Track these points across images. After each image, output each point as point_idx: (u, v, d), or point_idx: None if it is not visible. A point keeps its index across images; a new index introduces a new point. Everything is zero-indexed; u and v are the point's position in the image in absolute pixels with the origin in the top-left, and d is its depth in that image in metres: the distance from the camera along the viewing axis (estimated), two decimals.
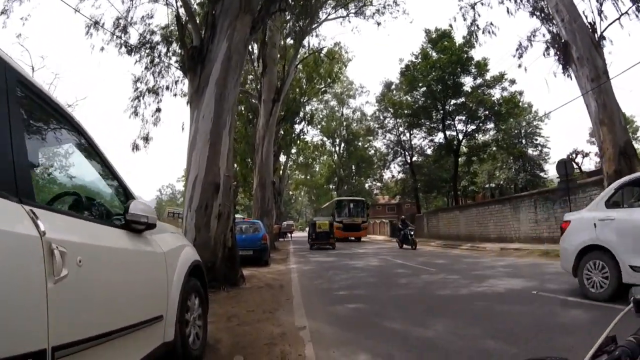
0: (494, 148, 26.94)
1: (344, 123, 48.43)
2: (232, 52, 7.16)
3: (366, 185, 52.47)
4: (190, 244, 3.12)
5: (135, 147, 15.10)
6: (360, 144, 48.69)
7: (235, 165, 23.46)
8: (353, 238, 25.61)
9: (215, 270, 5.91)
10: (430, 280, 7.20)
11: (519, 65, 16.92)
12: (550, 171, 37.27)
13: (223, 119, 7.05)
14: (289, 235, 35.15)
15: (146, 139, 14.93)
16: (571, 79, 12.22)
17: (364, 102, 73.36)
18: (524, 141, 32.94)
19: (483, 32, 18.02)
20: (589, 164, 44.38)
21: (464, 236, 20.64)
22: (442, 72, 22.58)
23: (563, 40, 11.99)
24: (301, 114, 26.84)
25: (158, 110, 14.46)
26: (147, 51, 13.14)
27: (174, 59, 13.22)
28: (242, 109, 24.11)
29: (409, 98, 26.61)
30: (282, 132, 26.83)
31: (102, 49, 14.06)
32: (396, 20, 37.95)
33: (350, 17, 21.88)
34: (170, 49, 13.24)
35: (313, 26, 19.54)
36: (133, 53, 13.00)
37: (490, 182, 39.59)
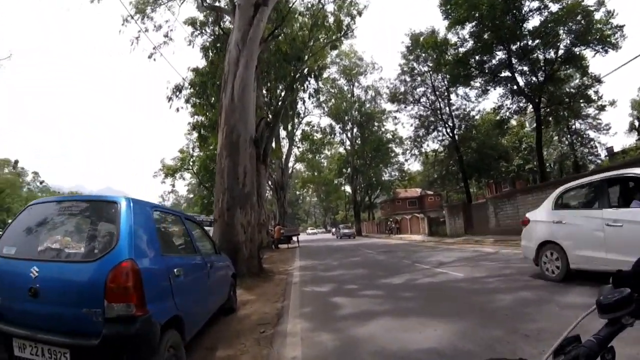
0: (582, 102, 18.85)
1: (356, 104, 40.84)
2: None
3: (385, 176, 44.77)
4: None
5: None
6: (376, 127, 41.09)
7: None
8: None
9: None
10: None
11: None
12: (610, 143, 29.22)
13: None
14: (295, 239, 24.21)
15: None
16: None
17: (377, 78, 65.71)
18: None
19: None
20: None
21: None
22: None
23: None
24: (305, 69, 19.45)
25: None
26: None
27: None
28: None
29: (462, 31, 18.78)
30: (282, 97, 19.58)
31: None
32: None
33: None
34: None
35: None
36: None
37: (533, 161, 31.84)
